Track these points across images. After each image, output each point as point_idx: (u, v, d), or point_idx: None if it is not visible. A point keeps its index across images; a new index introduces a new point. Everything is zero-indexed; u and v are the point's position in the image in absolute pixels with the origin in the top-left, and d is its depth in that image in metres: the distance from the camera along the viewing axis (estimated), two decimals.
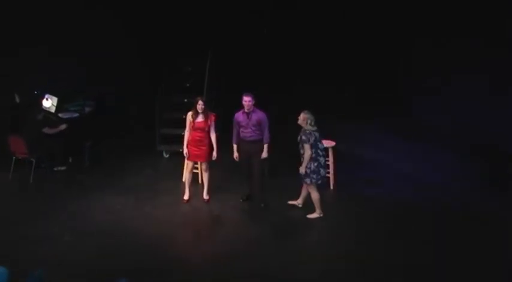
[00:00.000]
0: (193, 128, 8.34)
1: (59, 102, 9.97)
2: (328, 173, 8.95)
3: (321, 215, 8.13)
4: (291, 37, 11.64)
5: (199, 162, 8.78)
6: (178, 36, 11.18)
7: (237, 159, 8.40)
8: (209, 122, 8.32)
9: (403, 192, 9.03)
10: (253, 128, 8.20)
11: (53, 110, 10.00)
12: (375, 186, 9.25)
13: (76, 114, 10.24)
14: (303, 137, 7.83)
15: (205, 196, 8.73)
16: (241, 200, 8.64)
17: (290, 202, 8.49)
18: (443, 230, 7.87)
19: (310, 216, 8.18)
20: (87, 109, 10.44)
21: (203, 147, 8.42)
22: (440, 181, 9.33)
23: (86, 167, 10.02)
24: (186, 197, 8.73)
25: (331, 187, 9.11)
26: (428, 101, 11.05)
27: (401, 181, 9.45)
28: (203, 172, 8.72)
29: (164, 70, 10.79)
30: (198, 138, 8.39)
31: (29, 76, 10.10)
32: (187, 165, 8.71)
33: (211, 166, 8.72)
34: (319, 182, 8.02)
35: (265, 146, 8.25)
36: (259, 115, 8.20)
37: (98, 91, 10.71)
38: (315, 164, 7.92)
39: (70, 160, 10.08)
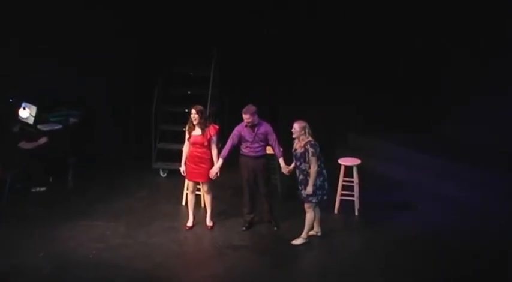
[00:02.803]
0: (192, 143, 8.22)
1: (38, 111, 9.84)
2: (353, 196, 8.96)
3: (307, 241, 8.11)
4: (297, 41, 11.81)
5: (201, 183, 8.62)
6: (178, 37, 11.27)
7: (213, 176, 8.20)
8: (208, 136, 8.17)
9: (437, 218, 8.96)
10: (260, 143, 8.21)
11: (31, 121, 9.87)
12: (405, 211, 9.25)
13: (59, 126, 10.12)
14: (311, 149, 7.73)
15: (208, 222, 8.61)
16: (243, 229, 8.53)
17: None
18: (485, 265, 7.69)
19: (295, 242, 8.09)
20: (71, 120, 10.33)
21: (203, 165, 8.26)
22: (475, 202, 9.28)
23: (70, 187, 9.96)
24: (189, 223, 8.61)
25: (356, 212, 9.03)
26: (454, 113, 11.13)
27: (434, 204, 9.40)
28: (205, 194, 8.61)
29: (162, 75, 10.81)
30: (197, 154, 8.24)
31: (24, 78, 10.18)
32: (188, 186, 8.61)
33: (216, 187, 8.66)
34: (325, 197, 8.02)
35: (281, 160, 8.21)
36: (265, 128, 8.21)
37: (90, 95, 10.82)
38: (321, 179, 7.90)
39: (51, 180, 10.00)
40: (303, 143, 7.80)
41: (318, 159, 7.80)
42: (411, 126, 11.27)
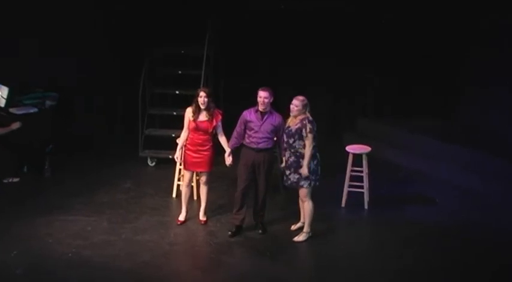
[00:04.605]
0: (194, 129, 8.17)
1: (10, 93, 9.79)
2: (362, 187, 9.01)
3: (310, 234, 8.06)
4: (303, 17, 11.86)
5: (195, 173, 8.65)
6: (168, 11, 11.34)
7: (227, 163, 8.21)
8: (214, 122, 8.17)
9: (455, 213, 9.00)
10: (266, 134, 8.08)
11: (2, 103, 9.84)
12: (420, 205, 9.28)
13: (34, 109, 10.05)
14: (309, 125, 7.71)
15: (201, 217, 8.60)
16: (229, 233, 8.29)
17: (294, 227, 8.39)
18: (505, 262, 7.70)
19: (298, 239, 8.07)
20: (48, 103, 10.28)
21: (205, 153, 8.25)
22: (498, 195, 9.33)
23: (46, 178, 9.92)
24: (181, 217, 8.58)
25: (366, 206, 9.07)
26: (477, 98, 11.28)
27: (453, 198, 9.49)
28: (201, 185, 8.55)
29: (150, 53, 10.77)
30: (199, 141, 8.23)
31: None
32: (184, 176, 8.57)
33: (211, 178, 8.61)
34: (317, 183, 7.98)
35: (284, 159, 8.13)
36: (276, 119, 8.10)
37: (71, 77, 10.88)
38: (315, 162, 7.87)
39: (25, 169, 9.98)
40: (299, 119, 7.77)
41: (314, 138, 7.75)
42: (428, 111, 11.46)
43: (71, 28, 10.86)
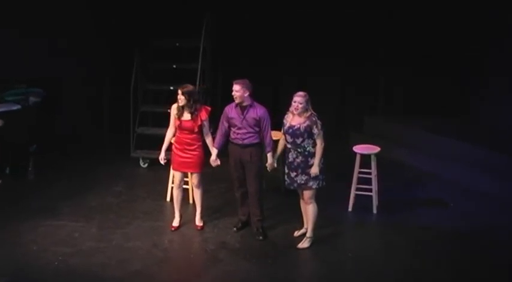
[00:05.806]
0: (180, 127, 8.19)
1: None
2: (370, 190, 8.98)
3: (314, 239, 8.06)
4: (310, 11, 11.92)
5: (189, 175, 8.62)
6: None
7: (214, 165, 8.23)
8: (199, 121, 8.13)
9: (469, 217, 8.96)
10: (249, 129, 8.08)
11: None
12: (432, 208, 9.26)
13: (17, 106, 10.06)
14: (320, 122, 7.70)
15: (197, 222, 8.56)
16: (234, 229, 8.48)
17: (297, 234, 8.33)
18: None
19: (302, 245, 7.99)
20: (32, 99, 10.32)
21: (194, 153, 8.22)
22: None
23: (31, 180, 9.95)
24: (175, 223, 8.54)
25: (374, 210, 9.03)
26: (493, 95, 11.28)
27: (467, 201, 9.46)
28: (194, 188, 8.56)
29: (142, 46, 10.79)
30: (185, 140, 8.23)
31: None
32: (174, 178, 8.51)
33: (207, 179, 8.60)
34: (324, 183, 7.96)
35: (269, 155, 8.10)
36: (258, 111, 8.09)
37: (58, 73, 10.89)
38: (322, 161, 7.87)
39: (7, 171, 10.01)
40: (304, 117, 7.72)
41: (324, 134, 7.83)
42: (439, 110, 11.47)
43: (59, 20, 10.94)
